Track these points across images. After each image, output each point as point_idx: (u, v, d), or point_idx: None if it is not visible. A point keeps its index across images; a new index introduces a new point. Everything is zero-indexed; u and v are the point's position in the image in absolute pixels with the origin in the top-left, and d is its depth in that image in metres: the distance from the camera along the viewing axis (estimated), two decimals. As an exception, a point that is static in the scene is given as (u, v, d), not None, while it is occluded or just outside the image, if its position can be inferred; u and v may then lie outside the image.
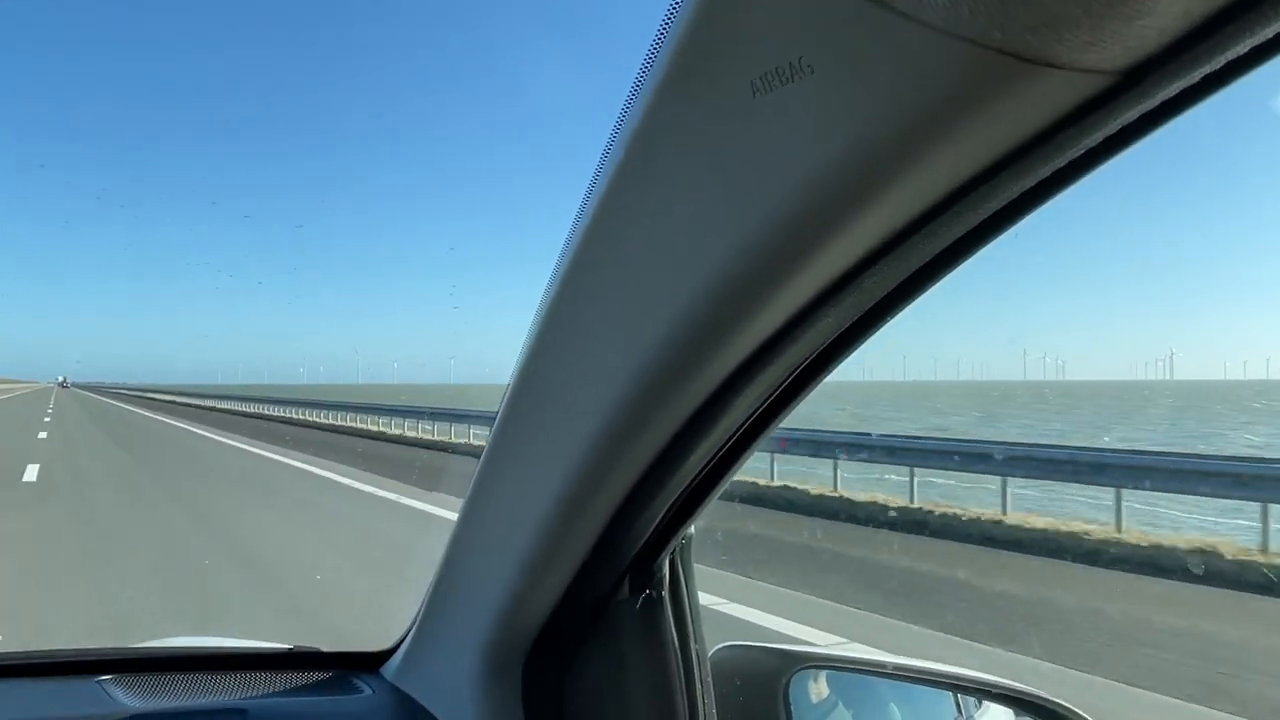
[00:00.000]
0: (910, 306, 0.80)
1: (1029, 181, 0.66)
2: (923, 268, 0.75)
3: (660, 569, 1.16)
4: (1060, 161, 0.64)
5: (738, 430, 0.94)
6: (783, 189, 0.68)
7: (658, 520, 1.06)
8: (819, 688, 1.47)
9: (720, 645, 1.33)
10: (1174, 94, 0.59)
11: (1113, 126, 0.61)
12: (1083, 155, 0.64)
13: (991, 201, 0.68)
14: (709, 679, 1.20)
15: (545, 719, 1.23)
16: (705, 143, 0.72)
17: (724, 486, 1.04)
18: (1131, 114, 0.60)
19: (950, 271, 0.76)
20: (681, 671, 1.17)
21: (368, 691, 1.48)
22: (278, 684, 1.54)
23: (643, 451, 0.95)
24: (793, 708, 1.28)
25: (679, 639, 1.18)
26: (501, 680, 1.22)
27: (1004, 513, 12.29)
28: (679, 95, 0.72)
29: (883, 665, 1.46)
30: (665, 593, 1.17)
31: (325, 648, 1.64)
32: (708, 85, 0.70)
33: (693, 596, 1.20)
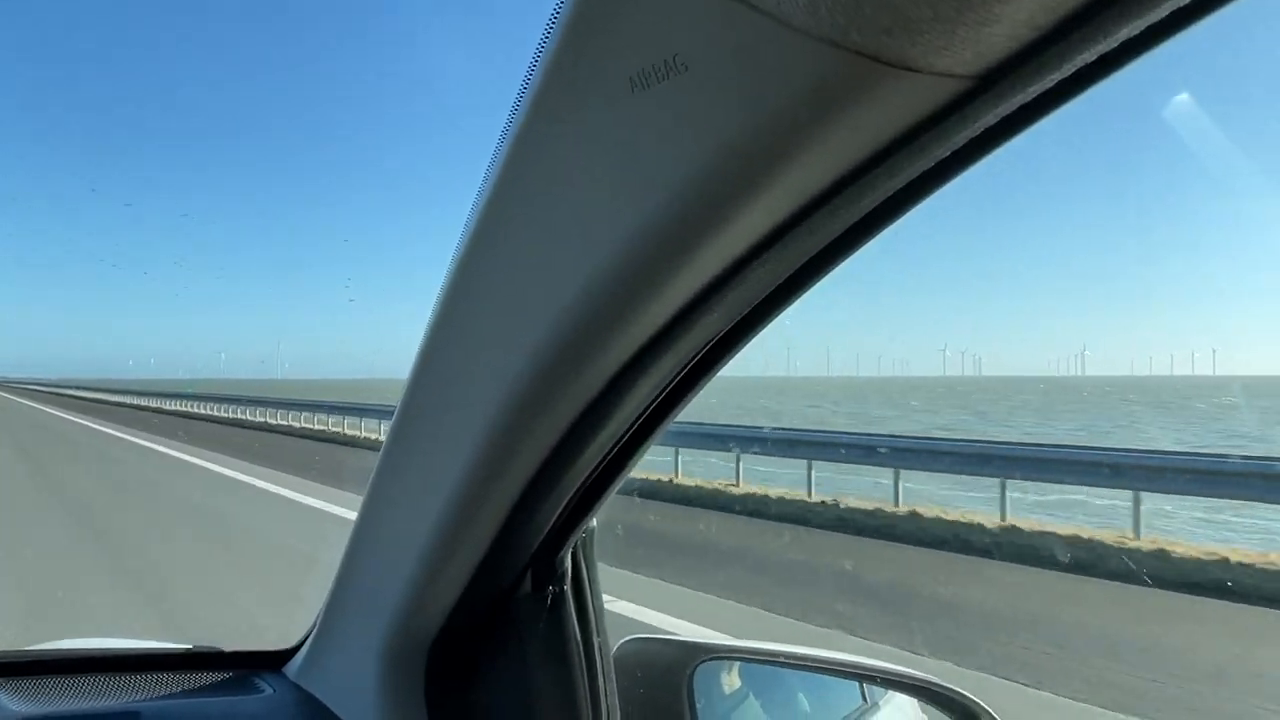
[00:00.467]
0: (810, 300, 0.81)
1: (899, 181, 0.68)
2: (807, 263, 0.77)
3: (562, 563, 1.16)
4: (927, 162, 0.66)
5: (633, 423, 0.95)
6: (665, 184, 0.68)
7: (557, 514, 1.06)
8: (731, 679, 1.49)
9: (625, 639, 1.34)
10: (1030, 98, 0.61)
11: (975, 128, 0.63)
12: (951, 156, 0.66)
13: (867, 199, 0.69)
14: (612, 673, 1.21)
15: (449, 716, 1.21)
16: (589, 137, 0.72)
17: (622, 479, 1.05)
18: (989, 117, 0.62)
19: (835, 266, 0.77)
20: (584, 666, 1.17)
21: (269, 691, 1.45)
22: (175, 685, 1.49)
23: (538, 445, 0.95)
24: (697, 699, 1.29)
25: (582, 633, 1.18)
26: (403, 678, 1.21)
27: (896, 504, 12.74)
28: (564, 89, 0.72)
29: (788, 656, 1.49)
30: (568, 587, 1.17)
31: (228, 647, 1.60)
32: (590, 79, 0.70)
33: (595, 591, 1.21)
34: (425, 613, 1.17)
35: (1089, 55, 0.57)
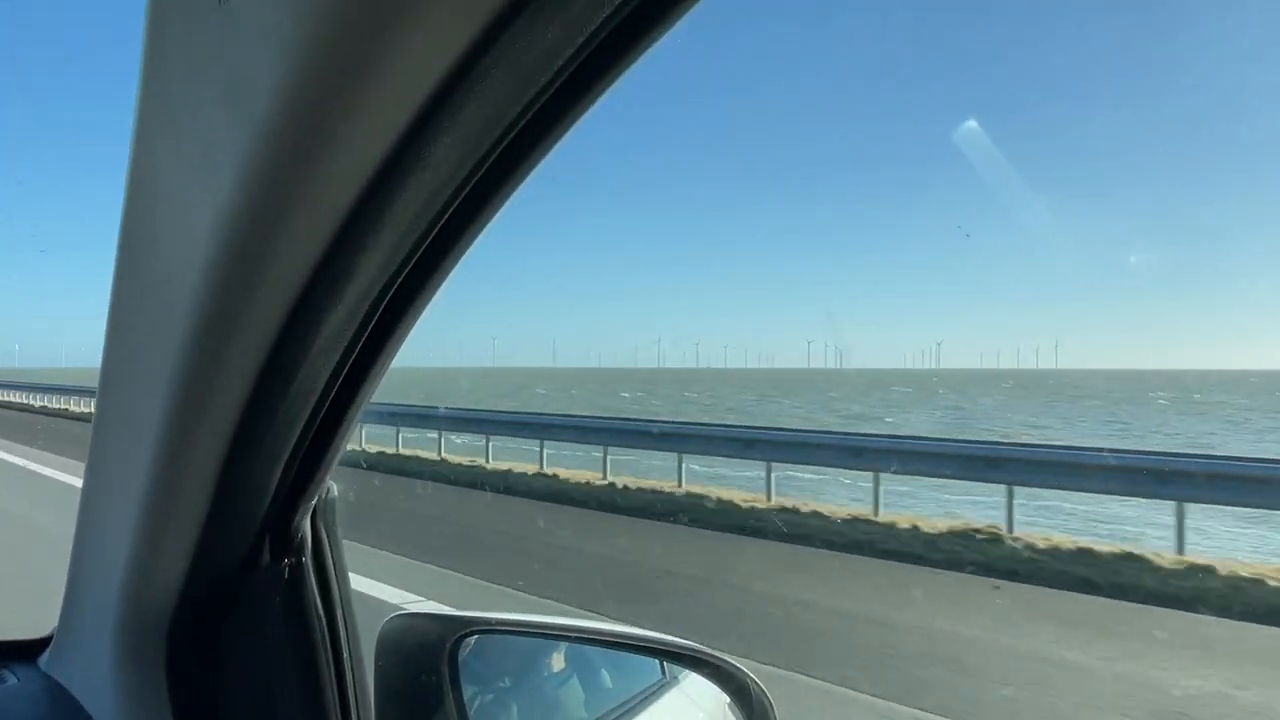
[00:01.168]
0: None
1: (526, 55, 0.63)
2: (485, 170, 0.72)
3: (299, 531, 1.08)
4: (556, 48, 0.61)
5: (337, 370, 0.88)
6: (271, 92, 0.64)
7: (279, 473, 0.98)
8: (558, 659, 1.47)
9: (391, 615, 1.27)
10: None
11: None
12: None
13: (489, 90, 0.65)
14: (360, 650, 1.14)
15: (192, 700, 1.12)
16: (190, 60, 0.69)
17: (346, 433, 0.98)
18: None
19: (519, 177, 0.73)
20: (328, 642, 1.10)
21: (13, 681, 1.32)
22: None
23: (227, 395, 0.88)
24: (461, 673, 1.24)
25: (325, 608, 1.10)
26: (141, 661, 1.11)
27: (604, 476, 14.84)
28: (158, 10, 0.69)
29: (551, 627, 1.46)
30: (307, 558, 1.09)
31: None
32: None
33: (339, 561, 1.13)
34: (154, 591, 1.07)
35: None
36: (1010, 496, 10.81)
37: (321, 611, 1.10)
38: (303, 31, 0.59)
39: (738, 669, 1.40)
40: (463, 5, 0.58)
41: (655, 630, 1.42)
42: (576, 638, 1.48)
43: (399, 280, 0.81)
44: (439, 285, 0.83)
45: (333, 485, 1.10)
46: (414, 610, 1.29)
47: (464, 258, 0.81)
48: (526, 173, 0.72)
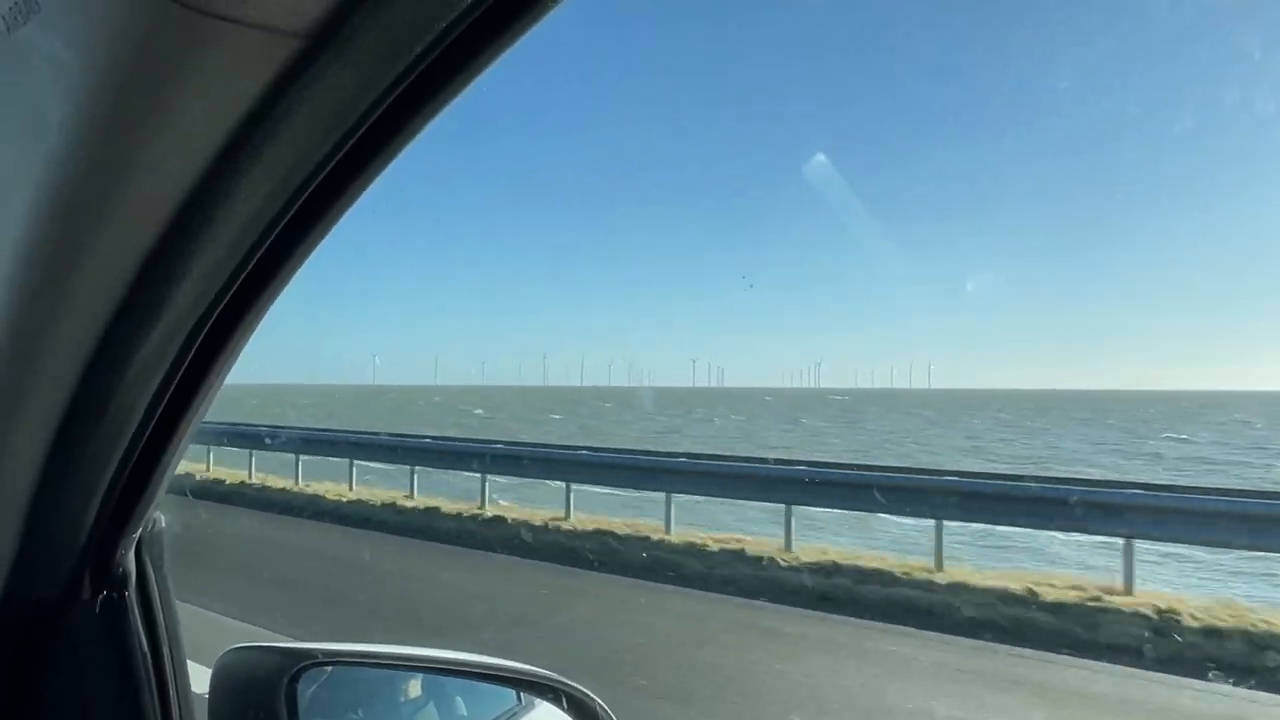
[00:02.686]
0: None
1: (286, 148, 0.65)
2: (272, 250, 0.73)
3: (122, 565, 1.02)
4: (307, 122, 0.63)
5: (157, 401, 0.85)
6: (58, 135, 0.64)
7: (98, 504, 0.93)
8: (413, 688, 1.43)
9: (227, 650, 1.21)
10: (379, 58, 0.59)
11: (329, 85, 0.61)
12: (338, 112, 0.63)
13: (265, 162, 0.66)
14: (188, 687, 1.08)
15: None
16: None
17: (172, 463, 0.94)
18: (337, 73, 0.60)
19: (308, 251, 0.75)
20: (154, 681, 1.04)
21: None
22: None
23: (34, 430, 0.85)
24: (300, 706, 1.19)
25: (150, 645, 1.05)
26: None
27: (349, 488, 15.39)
28: None
29: (401, 657, 1.43)
30: (131, 592, 1.03)
31: None
32: None
33: (166, 595, 1.08)
34: None
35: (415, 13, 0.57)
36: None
37: (147, 649, 1.04)
38: (92, 64, 0.59)
39: (588, 695, 1.40)
40: (261, 46, 0.58)
41: (510, 659, 1.41)
42: (427, 668, 1.45)
43: (218, 308, 0.79)
44: (265, 309, 0.82)
45: (159, 516, 1.05)
46: (252, 644, 1.24)
47: (292, 280, 0.79)
48: (349, 201, 0.72)
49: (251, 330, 0.83)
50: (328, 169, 0.68)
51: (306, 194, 0.69)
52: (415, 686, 1.56)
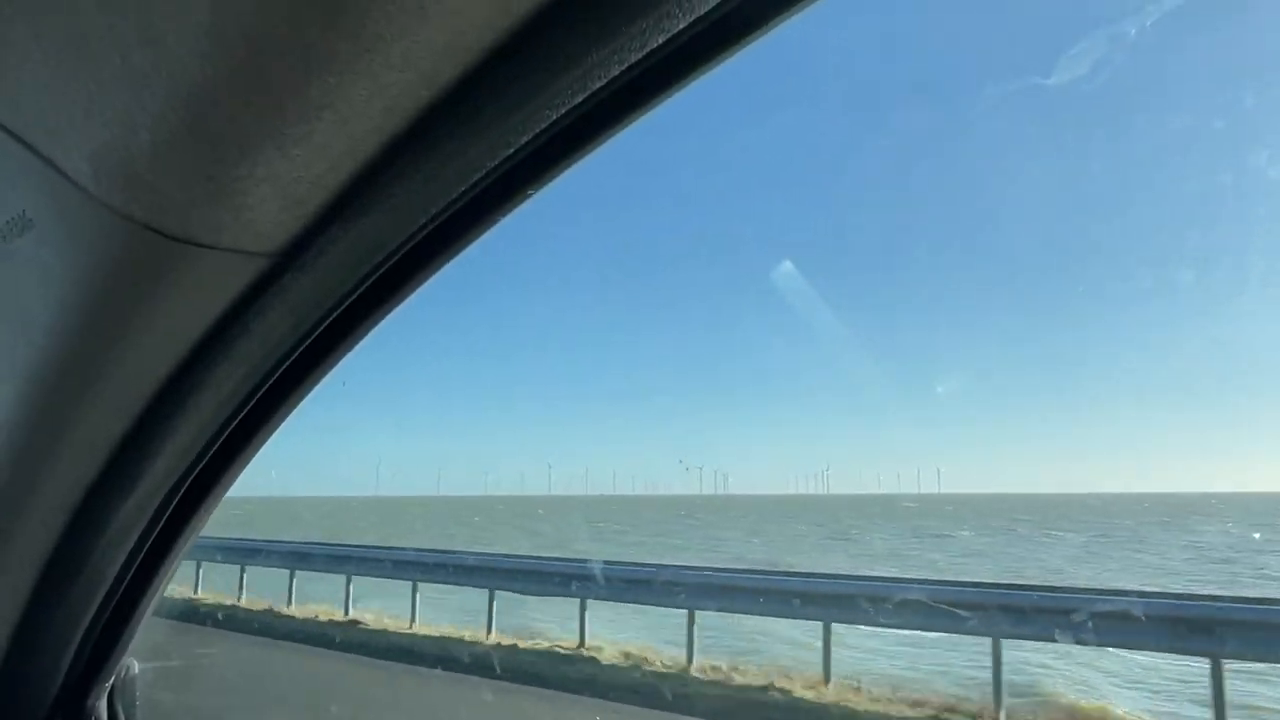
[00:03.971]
0: None
1: (238, 366, 0.72)
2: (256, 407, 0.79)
3: (96, 712, 1.04)
4: (270, 340, 0.71)
5: (130, 561, 0.90)
6: (44, 332, 0.70)
7: (71, 655, 0.96)
8: None
9: None
10: (340, 273, 0.66)
11: (295, 302, 0.68)
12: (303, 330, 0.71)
13: (215, 387, 0.74)
14: None
15: None
16: None
17: (145, 615, 0.98)
18: (305, 290, 0.67)
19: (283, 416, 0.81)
20: None
21: None
22: None
23: (11, 579, 0.89)
24: None
25: None
26: None
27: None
28: None
29: None
30: None
31: None
32: None
33: None
34: None
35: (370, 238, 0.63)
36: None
37: None
38: (78, 278, 0.65)
39: None
40: (234, 265, 0.64)
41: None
42: None
43: (190, 478, 0.85)
44: (235, 477, 0.87)
45: (133, 663, 1.08)
46: None
47: (264, 447, 0.85)
48: (314, 383, 0.79)
49: (223, 493, 0.89)
50: (293, 357, 0.75)
51: (273, 380, 0.76)
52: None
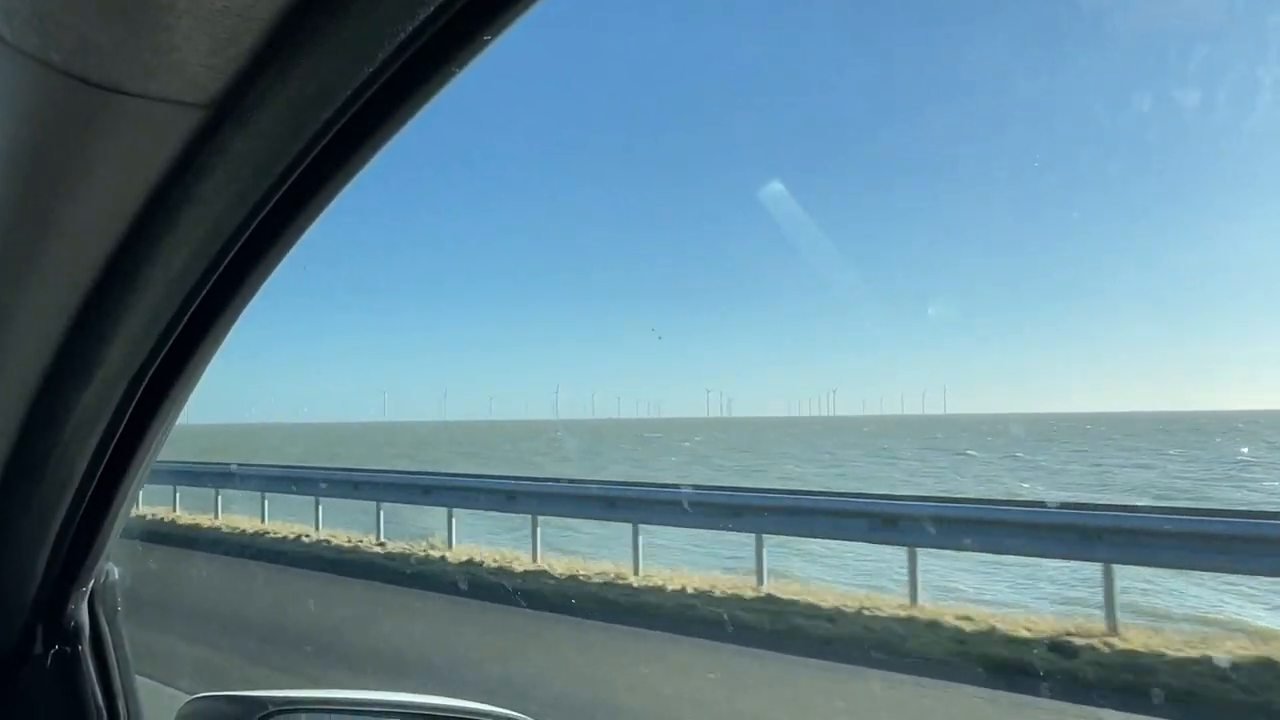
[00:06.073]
0: None
1: (195, 224, 0.67)
2: (216, 290, 0.74)
3: (75, 618, 1.02)
4: (215, 196, 0.65)
5: (99, 456, 0.86)
6: None
7: (45, 558, 0.94)
8: None
9: (189, 699, 1.21)
10: (290, 126, 0.61)
11: (232, 155, 0.62)
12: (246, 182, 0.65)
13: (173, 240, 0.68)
14: None
15: None
16: None
17: (120, 515, 0.94)
18: (241, 144, 0.61)
19: (243, 303, 0.76)
20: None
21: None
22: None
23: None
24: None
25: (105, 698, 1.04)
26: None
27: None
28: None
29: (363, 703, 1.41)
30: (84, 646, 1.03)
31: None
32: None
33: (121, 648, 1.07)
34: None
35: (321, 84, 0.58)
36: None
37: (102, 703, 1.04)
38: (4, 136, 0.61)
39: None
40: (168, 118, 0.59)
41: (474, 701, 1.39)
42: (392, 712, 1.44)
43: (154, 365, 0.80)
44: (205, 363, 0.82)
45: (112, 567, 1.05)
46: (214, 694, 1.24)
47: (230, 332, 0.80)
48: (278, 258, 0.73)
49: (193, 382, 0.84)
50: (250, 230, 0.69)
51: (232, 253, 0.71)
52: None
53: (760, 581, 9.73)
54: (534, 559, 11.40)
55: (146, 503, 16.03)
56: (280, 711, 1.23)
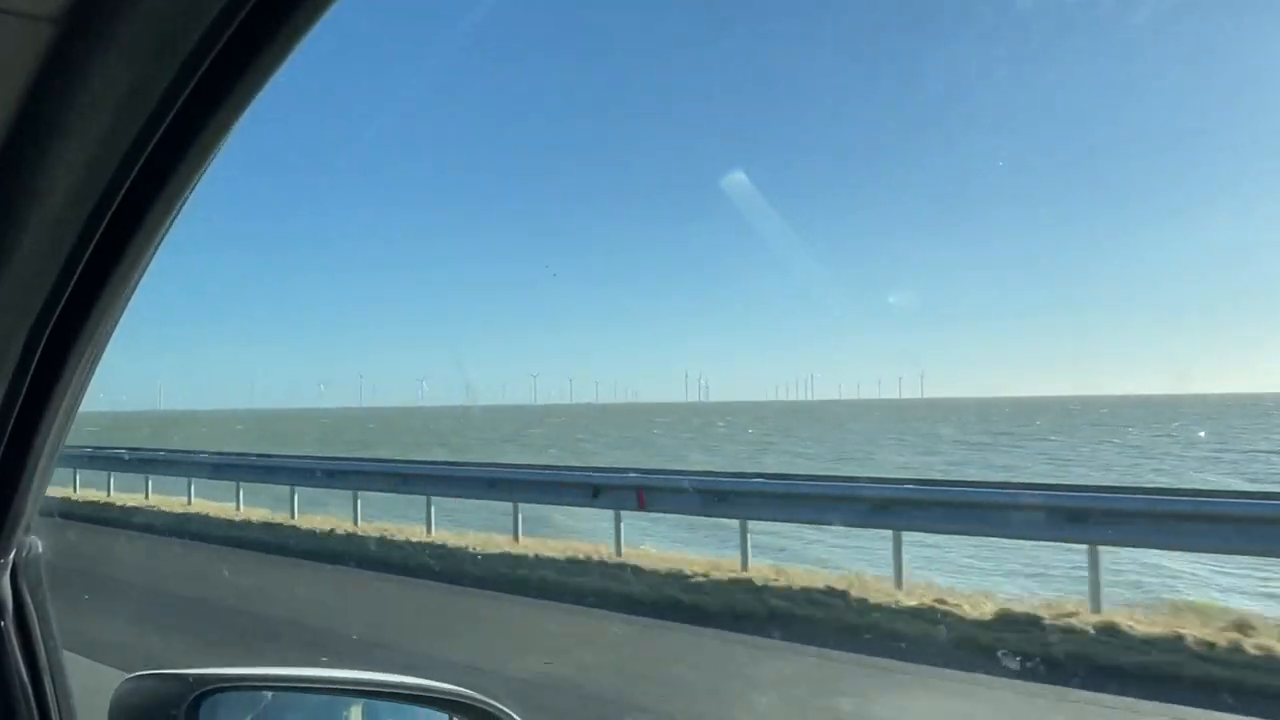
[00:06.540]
0: None
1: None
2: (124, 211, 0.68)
3: None
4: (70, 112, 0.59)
5: (17, 385, 0.81)
6: None
7: None
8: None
9: (125, 678, 1.18)
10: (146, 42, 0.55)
11: (94, 73, 0.56)
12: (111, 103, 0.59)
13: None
14: (74, 718, 1.05)
15: None
16: None
17: (35, 484, 0.90)
18: (101, 62, 0.55)
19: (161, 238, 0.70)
20: (36, 715, 1.00)
21: None
22: None
23: None
24: None
25: (30, 676, 1.01)
26: None
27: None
28: None
29: (291, 679, 1.38)
30: (8, 622, 0.99)
31: None
32: None
33: (47, 624, 1.04)
34: None
35: None
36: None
37: (27, 680, 1.00)
38: None
39: (507, 714, 1.36)
40: (13, 32, 0.54)
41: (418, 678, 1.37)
42: (332, 689, 1.41)
43: (53, 315, 0.74)
44: (111, 311, 0.76)
45: (36, 541, 1.01)
46: (150, 671, 1.21)
47: (137, 282, 0.75)
48: (174, 199, 0.67)
49: (100, 334, 0.79)
50: (137, 166, 0.63)
51: (122, 192, 0.65)
52: (356, 712, 1.52)
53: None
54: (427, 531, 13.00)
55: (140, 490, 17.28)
56: (221, 689, 1.20)
